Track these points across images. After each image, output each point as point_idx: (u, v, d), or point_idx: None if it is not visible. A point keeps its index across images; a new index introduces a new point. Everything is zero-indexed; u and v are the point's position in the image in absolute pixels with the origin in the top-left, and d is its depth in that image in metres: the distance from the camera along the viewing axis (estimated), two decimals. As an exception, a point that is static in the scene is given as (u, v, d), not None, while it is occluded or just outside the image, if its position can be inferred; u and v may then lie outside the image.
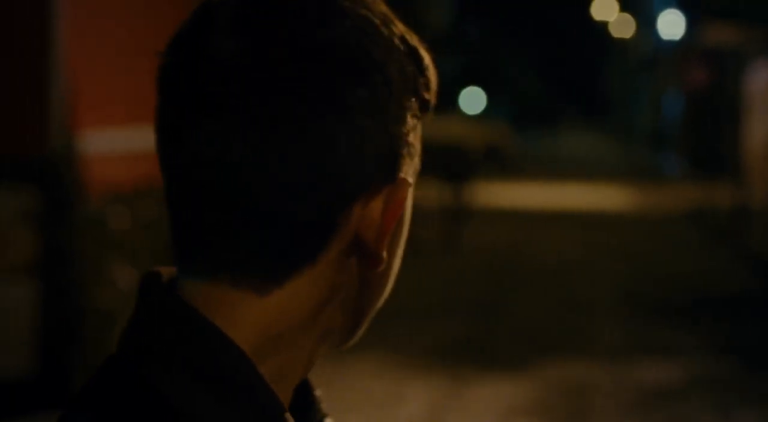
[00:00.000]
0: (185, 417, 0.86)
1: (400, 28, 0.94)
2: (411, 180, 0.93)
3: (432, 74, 0.95)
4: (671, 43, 40.61)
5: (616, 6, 61.84)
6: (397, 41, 0.92)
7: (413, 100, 0.93)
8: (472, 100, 48.18)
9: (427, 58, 0.95)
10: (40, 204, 7.09)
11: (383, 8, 0.94)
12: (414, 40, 0.95)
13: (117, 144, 7.50)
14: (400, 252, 0.96)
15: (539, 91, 73.07)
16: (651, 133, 44.52)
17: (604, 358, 9.25)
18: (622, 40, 68.24)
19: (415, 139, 0.93)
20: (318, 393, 1.00)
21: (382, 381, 8.26)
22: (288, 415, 0.89)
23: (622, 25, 63.39)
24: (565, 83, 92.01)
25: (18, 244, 7.18)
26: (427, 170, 12.98)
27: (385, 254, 0.92)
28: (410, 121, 0.92)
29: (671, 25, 38.58)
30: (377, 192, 0.90)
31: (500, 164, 16.63)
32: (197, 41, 0.90)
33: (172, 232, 0.92)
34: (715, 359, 9.32)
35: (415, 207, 0.97)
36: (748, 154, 20.26)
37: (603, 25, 69.63)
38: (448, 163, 16.40)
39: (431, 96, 0.95)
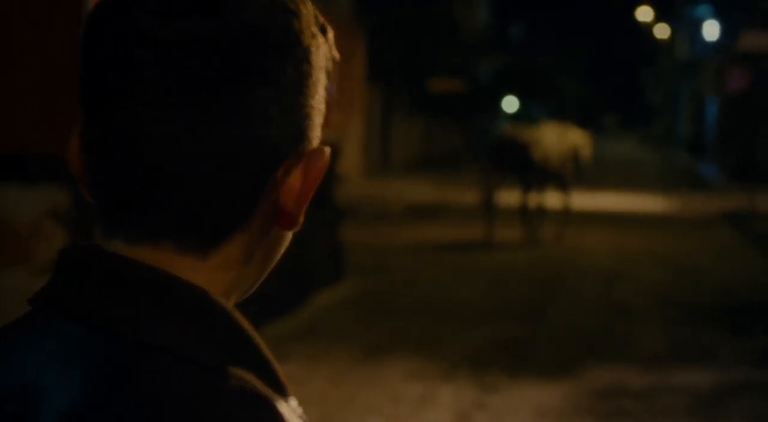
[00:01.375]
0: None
1: (309, 4, 0.99)
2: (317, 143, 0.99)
3: (335, 50, 1.01)
4: (711, 48, 40.37)
5: (654, 12, 61.63)
6: (312, 18, 0.98)
7: (327, 73, 0.99)
8: (512, 101, 48.02)
9: (331, 35, 1.01)
10: (70, 203, 7.11)
11: None
12: (321, 17, 1.00)
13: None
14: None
15: (581, 94, 72.72)
16: (691, 139, 44.24)
17: (640, 363, 9.15)
18: (663, 45, 67.95)
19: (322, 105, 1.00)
20: None
21: (413, 384, 8.21)
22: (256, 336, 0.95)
23: (665, 29, 63.08)
24: (607, 87, 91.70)
25: (49, 243, 7.21)
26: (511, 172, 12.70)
27: (301, 217, 0.98)
28: (321, 91, 0.98)
29: (712, 29, 38.36)
30: (298, 160, 0.96)
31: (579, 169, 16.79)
32: (125, 16, 0.92)
33: (100, 201, 0.96)
34: (753, 367, 9.20)
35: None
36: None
37: (647, 29, 69.37)
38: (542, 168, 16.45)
39: (333, 69, 1.02)
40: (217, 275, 0.95)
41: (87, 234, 6.94)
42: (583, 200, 25.36)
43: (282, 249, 1.02)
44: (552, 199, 17.48)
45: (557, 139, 16.59)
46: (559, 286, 13.16)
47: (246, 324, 0.94)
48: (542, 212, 16.96)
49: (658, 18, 65.51)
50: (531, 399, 7.97)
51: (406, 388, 8.04)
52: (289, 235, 1.01)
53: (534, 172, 16.38)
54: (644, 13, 65.52)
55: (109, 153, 0.93)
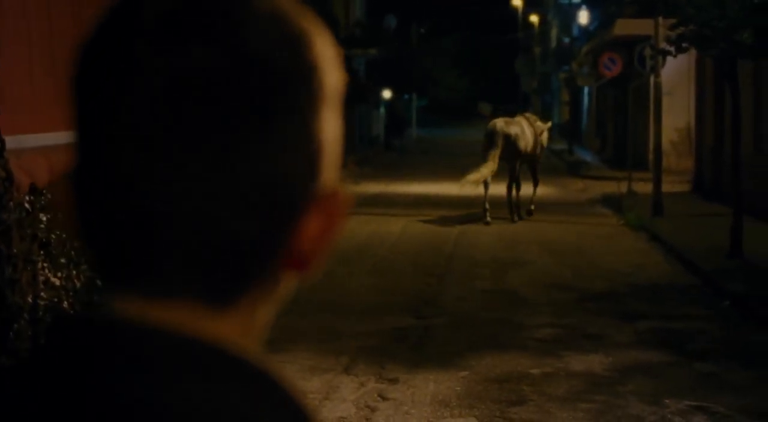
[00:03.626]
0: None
1: (321, 30, 0.91)
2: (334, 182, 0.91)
3: (342, 74, 0.93)
4: (585, 35, 41.06)
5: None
6: (324, 45, 0.90)
7: (337, 103, 0.91)
8: (389, 91, 48.29)
9: (339, 59, 0.93)
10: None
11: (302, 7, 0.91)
12: (332, 42, 0.92)
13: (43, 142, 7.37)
14: None
15: (455, 83, 73.43)
16: (566, 126, 44.97)
17: (535, 350, 9.31)
18: (538, 33, 68.84)
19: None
20: None
21: (313, 379, 8.23)
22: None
23: (538, 17, 63.92)
24: (483, 75, 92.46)
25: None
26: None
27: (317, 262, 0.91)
28: (334, 125, 0.91)
29: (585, 16, 39.02)
30: (316, 203, 0.89)
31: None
32: (122, 48, 0.85)
33: (100, 252, 0.87)
34: (642, 348, 9.42)
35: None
36: (656, 144, 20.57)
37: (522, 16, 70.19)
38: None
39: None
40: (243, 324, 0.89)
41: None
42: (465, 188, 25.66)
43: (293, 287, 0.95)
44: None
45: (531, 129, 19.67)
46: (449, 275, 13.29)
47: (286, 380, 0.89)
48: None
49: (532, 5, 66.38)
50: (432, 389, 8.05)
51: (307, 384, 8.05)
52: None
53: (520, 158, 19.28)
54: (518, 1, 66.36)
55: (110, 201, 0.85)
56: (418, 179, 27.98)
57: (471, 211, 20.22)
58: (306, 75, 0.87)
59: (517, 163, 19.23)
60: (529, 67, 72.82)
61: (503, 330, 10.09)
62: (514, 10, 73.42)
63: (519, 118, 20.21)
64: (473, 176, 18.59)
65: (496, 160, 18.70)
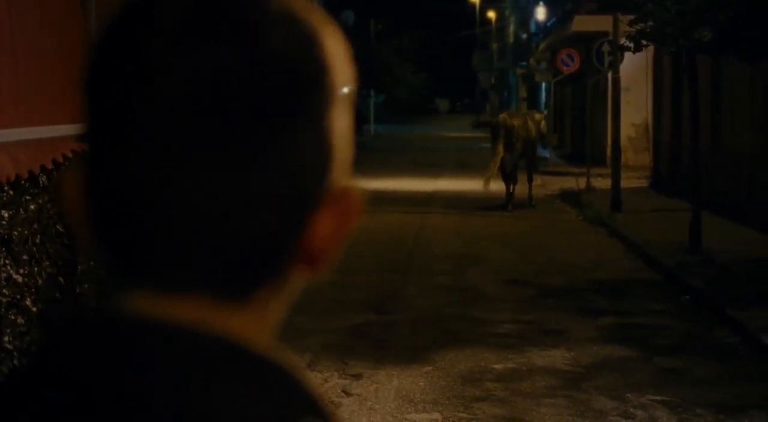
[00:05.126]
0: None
1: (332, 30, 0.91)
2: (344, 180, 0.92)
3: (353, 73, 0.93)
4: (543, 31, 41.22)
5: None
6: (336, 46, 0.90)
7: (347, 102, 0.92)
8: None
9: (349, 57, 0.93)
10: None
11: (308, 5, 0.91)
12: (344, 42, 0.93)
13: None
14: None
15: (413, 79, 73.43)
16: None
17: (497, 346, 9.32)
18: (495, 29, 69.02)
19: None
20: None
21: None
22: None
23: (496, 13, 64.10)
24: (441, 71, 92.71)
25: None
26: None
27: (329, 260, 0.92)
28: (344, 125, 0.91)
29: (543, 12, 39.17)
30: (329, 200, 0.89)
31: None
32: (139, 46, 0.84)
33: (111, 249, 0.87)
34: (603, 344, 9.46)
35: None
36: (614, 140, 20.72)
37: (480, 12, 70.33)
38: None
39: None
40: (256, 320, 0.89)
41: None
42: (421, 184, 25.71)
43: (304, 285, 0.95)
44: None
45: (530, 121, 21.25)
46: (411, 271, 13.29)
47: (295, 368, 0.89)
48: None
49: (490, 1, 66.55)
50: (395, 385, 8.05)
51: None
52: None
53: (523, 146, 20.79)
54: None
55: (128, 198, 0.84)
56: (378, 176, 27.97)
57: (430, 207, 20.24)
58: (319, 74, 0.87)
59: (517, 154, 20.60)
60: (486, 63, 73.03)
61: (465, 325, 10.11)
62: (472, 6, 73.60)
63: (522, 112, 23.18)
64: (487, 175, 20.38)
65: (500, 149, 20.20)
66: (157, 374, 0.82)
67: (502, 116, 21.33)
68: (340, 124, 0.90)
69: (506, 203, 20.39)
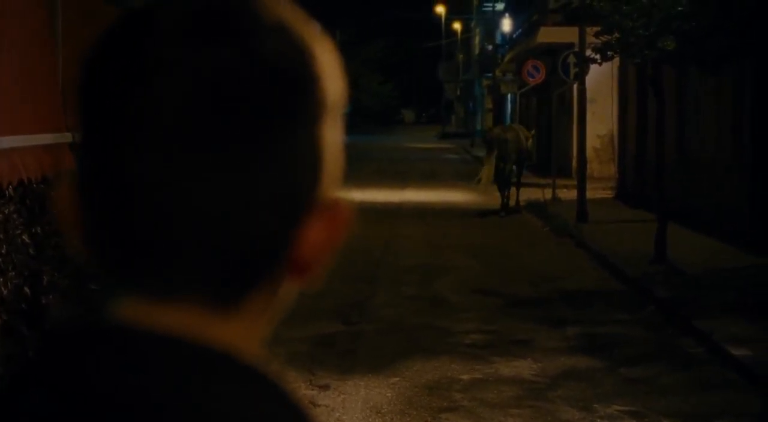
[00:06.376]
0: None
1: (324, 37, 0.93)
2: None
3: (344, 84, 0.93)
4: (509, 43, 41.35)
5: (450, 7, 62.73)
6: (330, 54, 0.91)
7: (339, 113, 0.92)
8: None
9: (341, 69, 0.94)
10: None
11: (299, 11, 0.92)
12: (336, 51, 0.93)
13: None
14: None
15: (379, 89, 73.59)
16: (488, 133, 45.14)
17: (463, 356, 9.33)
18: (461, 40, 69.22)
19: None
20: None
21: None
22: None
23: (461, 24, 64.26)
24: (407, 82, 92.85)
25: None
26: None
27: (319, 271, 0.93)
28: (336, 134, 0.92)
29: (508, 24, 39.29)
30: (319, 210, 0.90)
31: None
32: (137, 47, 0.85)
33: (104, 255, 0.87)
34: (570, 354, 9.49)
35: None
36: (579, 151, 20.84)
37: (446, 23, 70.54)
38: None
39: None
40: (246, 329, 0.89)
41: None
42: (388, 194, 25.72)
43: (294, 296, 0.96)
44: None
45: (519, 135, 22.33)
46: (378, 281, 13.29)
47: (285, 384, 0.89)
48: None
49: (456, 13, 66.75)
50: (363, 395, 8.05)
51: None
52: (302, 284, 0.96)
53: (515, 157, 22.03)
54: (442, 8, 66.71)
55: (120, 202, 0.85)
56: (345, 186, 27.97)
57: (397, 217, 20.24)
58: (310, 84, 0.88)
59: (511, 164, 21.86)
60: (452, 74, 73.19)
61: (432, 336, 10.11)
62: (438, 17, 73.80)
63: (514, 126, 24.53)
64: (479, 175, 22.07)
65: (492, 160, 21.51)
66: (148, 383, 0.82)
67: (497, 131, 22.95)
68: (332, 136, 0.90)
69: (501, 208, 21.61)
